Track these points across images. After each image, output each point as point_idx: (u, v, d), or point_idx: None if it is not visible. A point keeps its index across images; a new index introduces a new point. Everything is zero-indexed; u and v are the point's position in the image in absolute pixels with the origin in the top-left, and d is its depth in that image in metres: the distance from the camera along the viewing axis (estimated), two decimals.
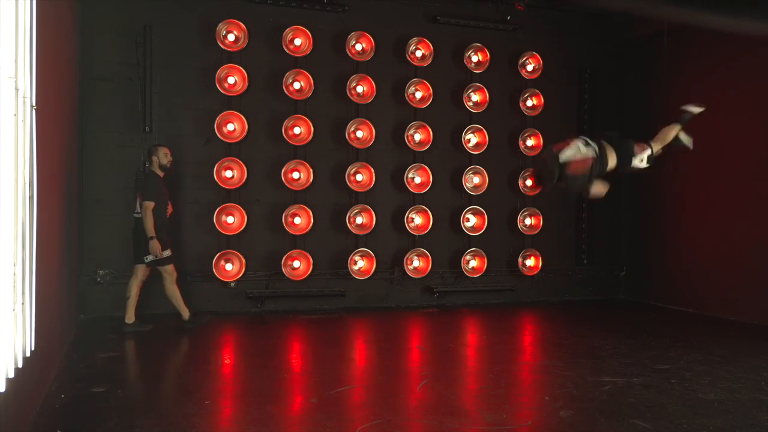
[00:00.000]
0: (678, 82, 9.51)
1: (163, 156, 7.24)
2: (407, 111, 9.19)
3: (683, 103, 9.38)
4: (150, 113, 8.20)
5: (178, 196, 8.27)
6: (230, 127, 8.32)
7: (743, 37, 8.32)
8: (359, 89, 8.90)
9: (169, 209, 7.39)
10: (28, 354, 3.62)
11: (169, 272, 7.22)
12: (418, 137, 9.15)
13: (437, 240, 9.31)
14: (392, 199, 9.20)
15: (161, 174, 7.26)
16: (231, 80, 8.33)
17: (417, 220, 9.11)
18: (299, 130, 8.57)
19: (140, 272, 7.19)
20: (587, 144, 5.67)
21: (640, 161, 5.92)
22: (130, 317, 7.12)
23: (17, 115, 3.30)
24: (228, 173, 8.30)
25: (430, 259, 9.09)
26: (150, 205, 6.99)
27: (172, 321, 7.38)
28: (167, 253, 7.14)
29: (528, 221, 9.70)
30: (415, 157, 9.23)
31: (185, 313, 7.31)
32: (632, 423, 4.32)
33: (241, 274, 8.34)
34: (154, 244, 6.98)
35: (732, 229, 8.61)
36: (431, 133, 9.12)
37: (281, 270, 8.49)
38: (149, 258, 7.05)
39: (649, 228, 9.88)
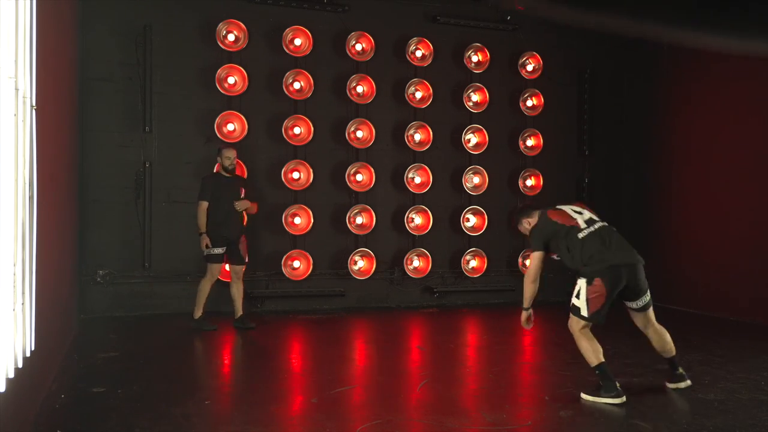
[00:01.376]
0: (678, 81, 9.51)
1: (225, 159, 7.35)
2: (407, 111, 9.19)
3: (683, 103, 9.43)
4: (150, 113, 8.20)
5: (179, 195, 8.29)
6: (230, 127, 8.32)
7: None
8: (359, 89, 8.90)
9: (254, 208, 7.53)
10: (28, 354, 3.62)
11: (210, 271, 7.31)
12: (418, 137, 9.15)
13: (437, 240, 9.31)
14: (392, 199, 9.20)
15: (228, 175, 7.38)
16: (231, 80, 8.33)
17: (417, 220, 9.11)
18: (299, 130, 8.57)
19: (210, 271, 7.35)
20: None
21: None
22: (196, 313, 7.33)
23: (17, 115, 3.30)
24: None
25: (430, 259, 9.09)
26: (201, 204, 7.22)
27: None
28: (218, 250, 7.26)
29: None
30: (415, 157, 9.23)
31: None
32: (632, 423, 4.32)
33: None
34: (201, 239, 7.21)
35: (731, 229, 8.61)
36: (431, 133, 9.13)
37: (281, 270, 8.49)
38: (206, 252, 7.28)
39: (649, 228, 9.87)
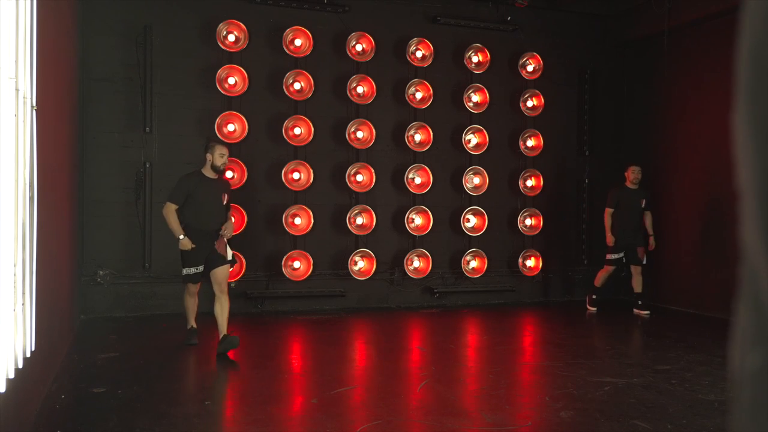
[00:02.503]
0: (678, 82, 9.51)
1: (218, 156, 6.27)
2: (407, 111, 9.19)
3: (683, 103, 9.43)
4: (150, 113, 8.21)
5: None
6: (230, 127, 8.32)
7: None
8: (359, 90, 8.90)
9: (233, 219, 6.46)
10: (28, 354, 3.62)
11: (188, 289, 6.55)
12: (418, 138, 9.15)
13: (437, 240, 9.31)
14: (392, 199, 9.20)
15: (214, 176, 6.35)
16: (231, 80, 8.33)
17: (417, 220, 9.11)
18: (299, 130, 8.57)
19: (188, 290, 6.53)
20: None
21: None
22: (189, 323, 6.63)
23: (18, 115, 3.30)
24: (228, 174, 8.28)
25: (430, 259, 9.09)
26: (168, 206, 6.19)
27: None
28: (194, 270, 6.30)
29: (528, 222, 9.70)
30: (416, 158, 9.23)
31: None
32: (632, 423, 4.32)
33: (241, 275, 8.34)
34: (183, 242, 6.15)
35: (731, 229, 8.60)
36: (431, 133, 9.12)
37: (281, 270, 8.48)
38: (185, 271, 6.31)
39: None
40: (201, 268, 6.30)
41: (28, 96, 3.63)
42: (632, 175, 8.82)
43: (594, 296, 9.05)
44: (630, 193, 8.84)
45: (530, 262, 9.71)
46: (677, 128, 9.53)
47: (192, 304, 6.59)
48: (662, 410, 4.60)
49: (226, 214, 6.47)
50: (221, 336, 6.22)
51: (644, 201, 8.84)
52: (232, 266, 6.56)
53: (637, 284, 8.81)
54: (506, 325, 8.34)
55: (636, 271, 8.81)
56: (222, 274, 6.31)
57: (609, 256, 8.86)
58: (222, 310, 6.25)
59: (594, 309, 8.98)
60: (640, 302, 8.78)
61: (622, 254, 8.80)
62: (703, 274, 8.97)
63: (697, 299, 9.02)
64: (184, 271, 6.34)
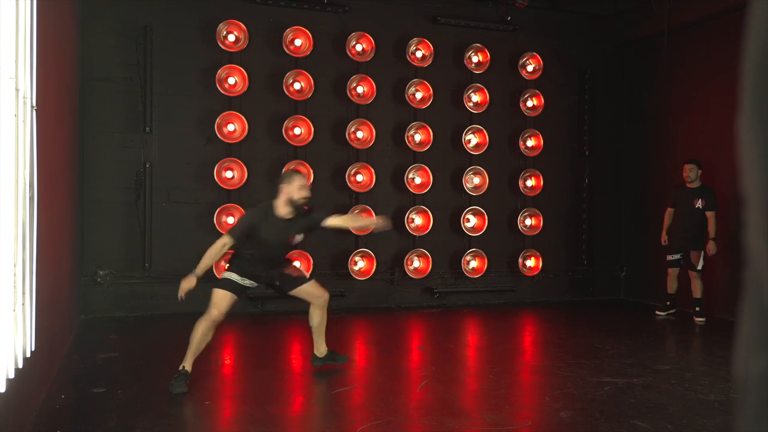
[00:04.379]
0: (678, 82, 9.51)
1: (298, 189, 5.11)
2: (407, 111, 9.19)
3: (684, 103, 9.43)
4: (150, 113, 8.21)
5: (179, 196, 8.29)
6: (230, 127, 8.32)
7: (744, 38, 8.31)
8: (359, 90, 8.90)
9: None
10: (28, 354, 3.62)
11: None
12: (418, 138, 9.15)
13: (437, 240, 9.31)
14: (392, 199, 9.20)
15: (284, 211, 5.16)
16: (231, 80, 8.33)
17: (417, 220, 9.11)
18: (299, 130, 8.57)
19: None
20: None
21: None
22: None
23: (18, 115, 3.30)
24: (228, 174, 8.30)
25: (430, 259, 9.09)
26: (223, 239, 5.11)
27: None
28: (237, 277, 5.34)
29: (528, 222, 9.70)
30: (416, 158, 9.23)
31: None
32: (632, 423, 4.32)
33: None
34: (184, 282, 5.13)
35: (731, 228, 8.61)
36: (431, 133, 9.13)
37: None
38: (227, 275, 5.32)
39: (649, 229, 9.87)
40: (253, 284, 5.36)
41: (28, 96, 3.64)
42: (684, 173, 8.40)
43: (668, 303, 8.64)
44: (686, 193, 8.40)
45: (530, 262, 9.71)
46: (677, 128, 9.53)
47: (202, 336, 5.12)
48: (662, 410, 4.60)
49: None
50: (318, 350, 5.63)
51: (699, 200, 8.28)
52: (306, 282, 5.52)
53: (695, 289, 8.31)
54: (506, 325, 8.34)
55: (691, 276, 8.35)
56: (306, 290, 5.49)
57: (667, 258, 8.58)
58: (314, 318, 5.54)
59: (664, 314, 8.61)
60: (697, 308, 8.28)
61: (679, 256, 8.42)
62: (703, 274, 8.95)
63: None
64: (226, 275, 5.25)
